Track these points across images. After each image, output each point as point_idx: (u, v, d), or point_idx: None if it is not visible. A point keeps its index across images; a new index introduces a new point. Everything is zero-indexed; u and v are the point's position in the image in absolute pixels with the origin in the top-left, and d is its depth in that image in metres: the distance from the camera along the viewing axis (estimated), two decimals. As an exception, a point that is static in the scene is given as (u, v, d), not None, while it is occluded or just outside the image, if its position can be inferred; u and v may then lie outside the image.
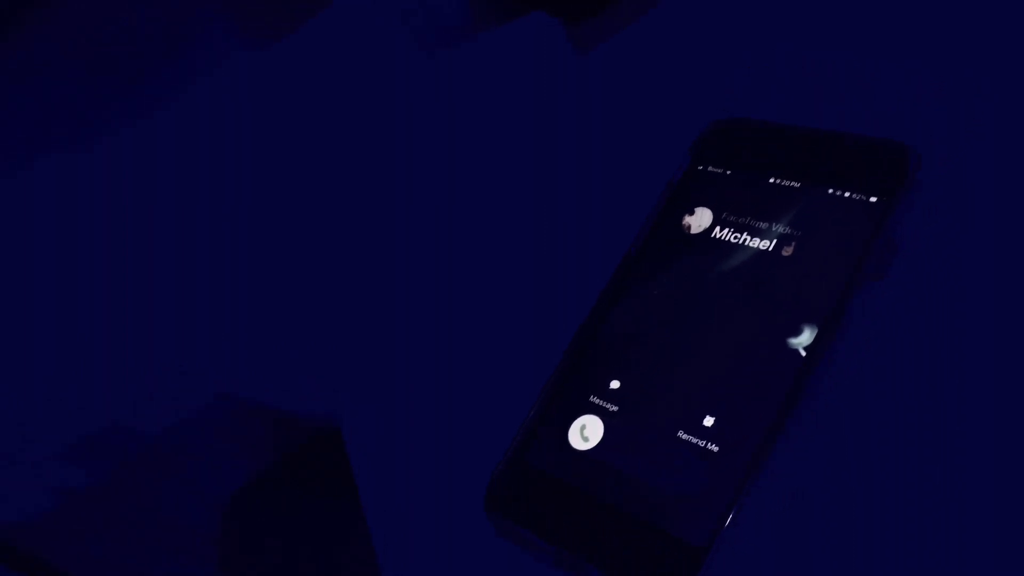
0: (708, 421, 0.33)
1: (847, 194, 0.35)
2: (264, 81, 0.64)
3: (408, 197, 0.51)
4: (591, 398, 0.36)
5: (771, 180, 0.37)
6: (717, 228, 0.38)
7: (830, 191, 0.36)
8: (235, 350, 0.55)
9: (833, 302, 0.33)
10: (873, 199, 0.35)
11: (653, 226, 0.39)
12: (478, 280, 0.45)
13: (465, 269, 0.46)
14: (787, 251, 0.35)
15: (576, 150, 0.47)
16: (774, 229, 0.36)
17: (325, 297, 0.50)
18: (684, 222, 0.38)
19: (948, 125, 0.37)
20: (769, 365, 0.33)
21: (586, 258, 0.42)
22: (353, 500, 0.42)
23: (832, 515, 0.32)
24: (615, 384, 0.36)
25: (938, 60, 0.39)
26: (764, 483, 0.32)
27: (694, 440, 0.33)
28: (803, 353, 0.33)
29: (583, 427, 0.36)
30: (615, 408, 0.36)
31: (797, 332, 0.33)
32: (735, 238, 0.37)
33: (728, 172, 0.39)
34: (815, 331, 0.33)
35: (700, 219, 0.38)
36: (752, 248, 0.36)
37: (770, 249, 0.36)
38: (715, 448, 0.33)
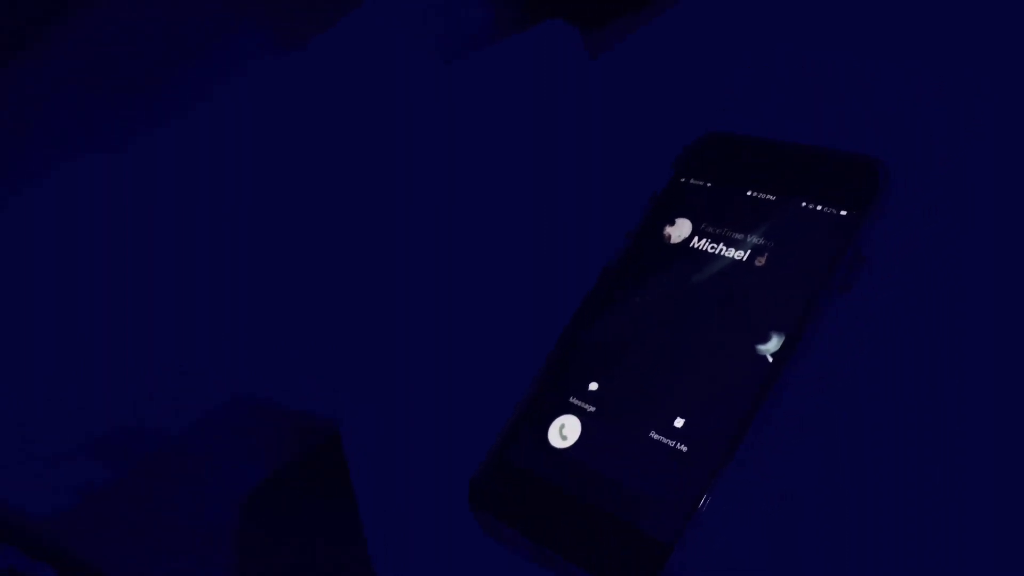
0: (679, 422, 0.35)
1: (819, 207, 0.37)
2: (282, 85, 0.66)
3: (408, 198, 0.52)
4: (571, 399, 0.38)
5: (748, 193, 0.39)
6: (696, 238, 0.39)
7: (803, 204, 0.37)
8: (237, 351, 0.57)
9: (800, 311, 0.35)
10: (843, 212, 0.36)
11: (636, 235, 0.41)
12: (471, 285, 0.47)
13: (458, 275, 0.48)
14: (760, 261, 0.37)
15: (576, 156, 0.48)
16: (749, 240, 0.38)
17: (325, 298, 0.52)
18: (665, 232, 0.40)
19: (948, 125, 0.38)
20: (737, 370, 0.35)
21: (574, 265, 0.44)
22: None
23: (796, 513, 0.33)
24: (594, 386, 0.38)
25: (938, 60, 0.39)
26: (730, 482, 0.34)
27: (665, 440, 0.35)
28: (770, 359, 0.35)
29: (562, 426, 0.38)
30: (593, 409, 0.37)
31: (765, 339, 0.35)
32: (712, 248, 0.38)
33: (708, 185, 0.40)
34: (782, 339, 0.35)
35: (680, 230, 0.40)
36: (727, 258, 0.38)
37: (744, 259, 0.37)
38: (684, 448, 0.34)
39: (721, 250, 0.38)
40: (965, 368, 0.33)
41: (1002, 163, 0.36)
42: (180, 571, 0.89)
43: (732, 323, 0.36)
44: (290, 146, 0.58)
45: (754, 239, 0.38)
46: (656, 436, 0.35)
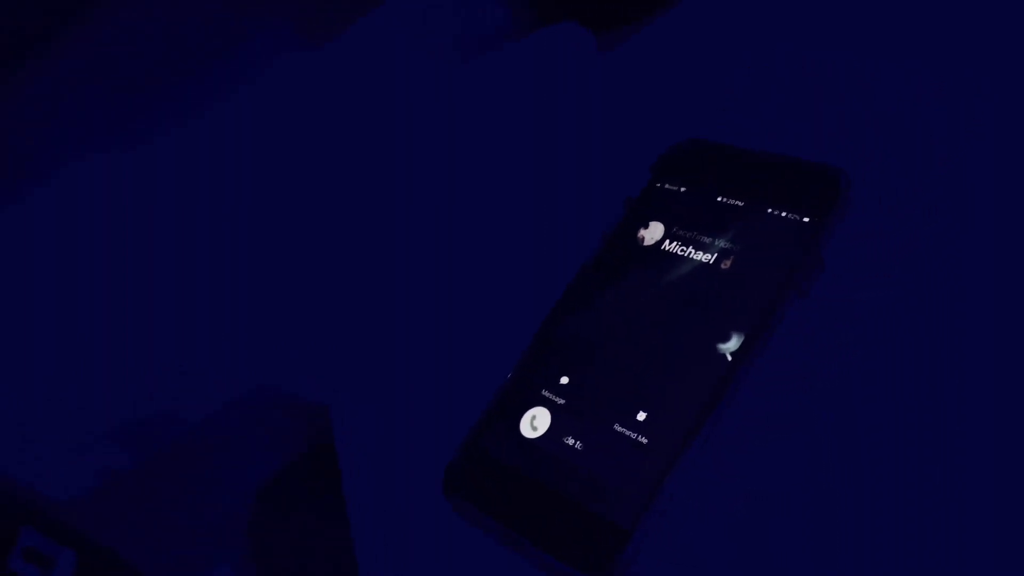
0: (641, 416, 0.37)
1: (783, 214, 0.38)
2: (296, 85, 0.68)
3: (408, 199, 0.54)
4: (543, 392, 0.40)
5: (719, 199, 0.41)
6: (667, 241, 0.41)
7: (769, 210, 0.39)
8: (245, 347, 0.58)
9: (760, 313, 0.36)
10: (806, 219, 0.38)
11: (612, 236, 0.43)
12: (459, 283, 0.49)
13: (447, 273, 0.49)
14: (725, 264, 0.39)
15: (575, 155, 0.49)
16: (716, 244, 0.39)
17: (323, 297, 0.53)
18: (639, 234, 0.42)
19: (948, 125, 0.38)
20: (698, 367, 0.37)
21: (561, 262, 0.45)
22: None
23: (759, 509, 0.34)
24: (565, 380, 0.40)
25: (938, 60, 0.40)
26: (696, 478, 0.36)
27: (627, 432, 0.37)
28: (729, 358, 0.36)
29: (533, 417, 0.39)
30: (563, 401, 0.39)
31: (726, 339, 0.37)
32: (681, 251, 0.40)
33: (682, 189, 0.42)
34: (741, 339, 0.36)
35: (653, 232, 0.41)
36: (695, 261, 0.40)
37: (711, 262, 0.39)
38: (645, 440, 0.36)
39: (690, 253, 0.40)
40: (917, 371, 0.34)
41: (1002, 163, 0.37)
42: (195, 556, 0.92)
43: (696, 323, 0.38)
44: (290, 146, 0.59)
45: (722, 243, 0.39)
46: (619, 428, 0.37)
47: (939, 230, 0.36)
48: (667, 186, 0.42)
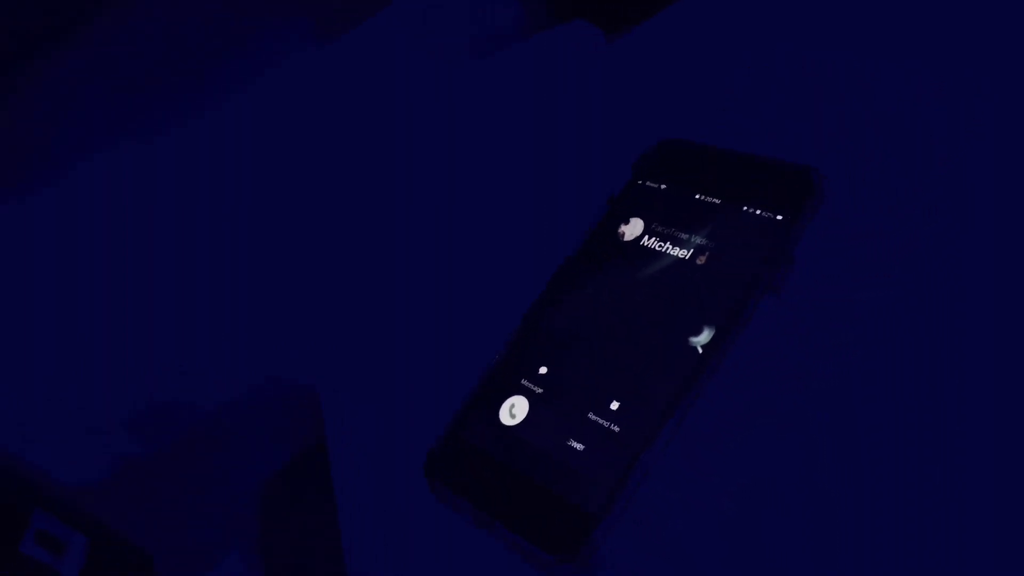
0: (614, 405, 0.38)
1: (758, 211, 0.39)
2: (307, 81, 0.69)
3: (408, 193, 0.55)
4: (522, 381, 0.41)
5: (697, 196, 0.42)
6: (646, 237, 0.42)
7: (744, 208, 0.40)
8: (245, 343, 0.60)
9: (732, 307, 0.38)
10: (779, 217, 0.39)
11: (594, 232, 0.44)
12: (448, 277, 0.50)
13: (435, 268, 0.51)
14: (701, 260, 0.40)
15: (575, 151, 0.50)
16: (693, 240, 0.40)
17: (324, 290, 0.55)
18: (620, 230, 0.43)
19: (948, 125, 0.38)
20: (670, 359, 0.38)
21: (549, 257, 0.46)
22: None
23: (742, 501, 0.35)
24: (543, 369, 0.41)
25: (938, 60, 0.40)
26: (656, 461, 0.37)
27: (600, 421, 0.38)
28: (700, 351, 0.37)
29: (512, 406, 0.41)
30: (541, 390, 0.40)
31: (697, 332, 0.38)
32: (659, 246, 0.41)
33: (663, 187, 0.43)
34: (712, 332, 0.37)
35: (633, 228, 0.43)
36: (672, 256, 0.41)
37: (687, 258, 0.40)
38: (617, 429, 0.37)
39: (668, 248, 0.41)
40: (881, 366, 0.35)
41: (1002, 163, 0.37)
42: (203, 542, 0.93)
43: (670, 316, 0.39)
44: (290, 145, 0.61)
45: (698, 239, 0.40)
46: (593, 417, 0.38)
47: (939, 230, 0.36)
48: (648, 184, 0.44)
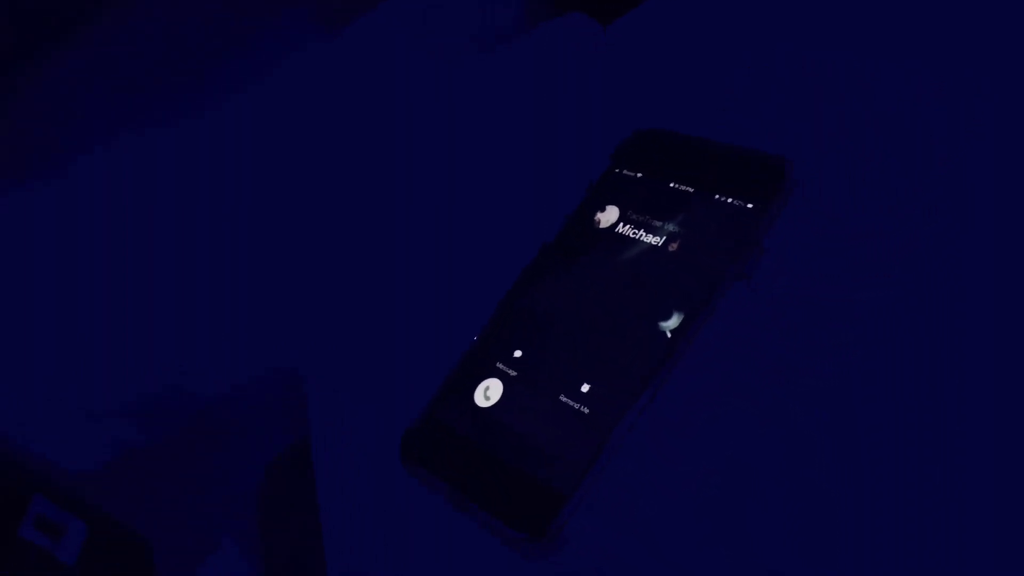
0: (585, 387, 0.39)
1: (729, 200, 0.40)
2: (319, 77, 0.70)
3: (408, 193, 0.56)
4: (497, 364, 0.42)
5: (671, 185, 0.42)
6: (621, 224, 0.43)
7: (716, 197, 0.41)
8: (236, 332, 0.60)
9: (701, 293, 0.38)
10: (750, 205, 0.39)
11: (571, 219, 0.44)
12: (445, 270, 0.50)
13: (421, 259, 0.51)
14: (672, 247, 0.40)
15: (575, 145, 0.50)
16: (666, 227, 0.41)
17: (319, 279, 0.55)
18: (596, 217, 0.44)
19: (948, 125, 0.38)
20: (640, 343, 0.38)
21: (523, 244, 0.47)
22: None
23: (700, 481, 0.36)
24: (518, 353, 0.42)
25: (938, 60, 0.40)
26: (623, 441, 0.37)
27: (571, 403, 0.39)
28: (668, 335, 0.38)
29: (487, 388, 0.41)
30: (515, 373, 0.41)
31: (667, 317, 0.38)
32: (633, 233, 0.42)
33: (639, 176, 0.44)
34: (681, 317, 0.38)
35: (609, 216, 0.43)
36: (645, 243, 0.41)
37: (660, 245, 0.41)
38: (587, 411, 0.38)
39: (641, 235, 0.42)
40: (846, 355, 0.35)
41: (1002, 163, 0.37)
42: (202, 529, 0.94)
43: (641, 301, 0.40)
44: (290, 145, 0.61)
45: (671, 227, 0.41)
46: (564, 399, 0.39)
47: (939, 230, 0.36)
48: (625, 172, 0.44)
